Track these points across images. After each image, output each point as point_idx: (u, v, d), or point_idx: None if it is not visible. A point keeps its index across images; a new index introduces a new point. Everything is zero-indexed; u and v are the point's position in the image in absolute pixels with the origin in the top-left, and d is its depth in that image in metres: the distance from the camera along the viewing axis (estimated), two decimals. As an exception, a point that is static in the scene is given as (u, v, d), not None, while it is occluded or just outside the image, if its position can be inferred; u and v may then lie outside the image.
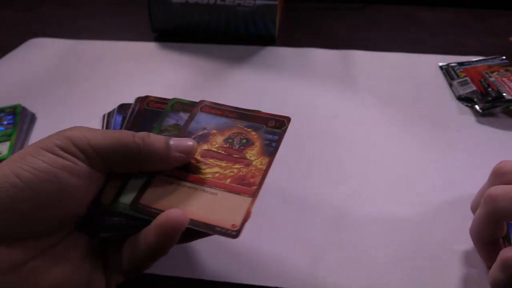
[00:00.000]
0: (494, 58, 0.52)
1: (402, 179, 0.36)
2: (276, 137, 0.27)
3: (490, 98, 0.44)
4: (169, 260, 0.29)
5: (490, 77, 0.47)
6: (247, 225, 0.23)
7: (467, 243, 0.30)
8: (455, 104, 0.47)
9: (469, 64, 0.52)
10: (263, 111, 0.29)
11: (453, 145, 0.40)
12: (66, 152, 0.21)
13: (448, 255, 0.29)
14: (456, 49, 0.59)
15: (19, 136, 0.40)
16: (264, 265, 0.29)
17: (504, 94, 0.43)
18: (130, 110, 0.29)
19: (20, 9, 0.76)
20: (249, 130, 0.28)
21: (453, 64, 0.53)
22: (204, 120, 0.28)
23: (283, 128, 0.27)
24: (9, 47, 0.60)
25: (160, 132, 0.27)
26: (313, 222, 0.32)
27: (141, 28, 0.66)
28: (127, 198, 0.24)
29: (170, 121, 0.28)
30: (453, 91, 0.49)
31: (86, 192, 0.22)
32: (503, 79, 0.46)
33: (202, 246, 0.30)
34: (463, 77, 0.49)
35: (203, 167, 0.26)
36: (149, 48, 0.60)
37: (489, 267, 0.27)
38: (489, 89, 0.45)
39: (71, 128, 0.23)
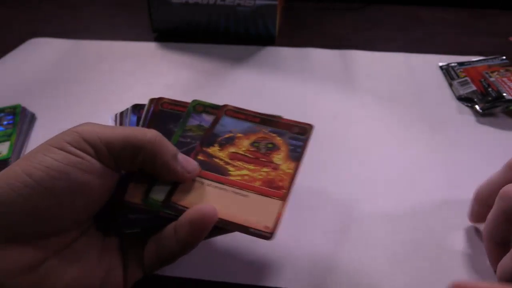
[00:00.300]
0: (494, 58, 0.52)
1: (401, 179, 0.36)
2: (300, 143, 0.28)
3: (490, 98, 0.44)
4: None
5: (490, 77, 0.47)
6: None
7: (467, 243, 0.30)
8: (455, 104, 0.47)
9: (469, 64, 0.52)
10: (284, 117, 0.29)
11: (453, 145, 0.40)
12: (76, 147, 0.21)
13: (448, 255, 0.29)
14: (456, 49, 0.59)
15: (19, 136, 0.40)
16: (264, 265, 0.29)
17: (504, 94, 0.43)
18: (145, 110, 0.29)
19: (20, 9, 0.76)
20: (273, 135, 0.28)
21: (453, 64, 0.53)
22: (229, 124, 0.29)
23: (307, 135, 0.28)
24: (9, 47, 0.60)
25: (184, 131, 0.28)
26: (312, 222, 0.32)
27: (141, 28, 0.66)
28: (158, 196, 0.24)
29: (194, 121, 0.29)
30: (453, 91, 0.49)
31: (100, 189, 0.22)
32: (503, 79, 0.46)
33: (201, 246, 0.30)
34: (463, 77, 0.49)
35: (232, 169, 0.26)
36: (149, 48, 0.60)
37: (496, 271, 0.27)
38: (489, 89, 0.45)
39: (80, 124, 0.22)
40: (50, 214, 0.20)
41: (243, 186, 0.25)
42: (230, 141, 0.28)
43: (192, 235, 0.22)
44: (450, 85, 0.50)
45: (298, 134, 0.28)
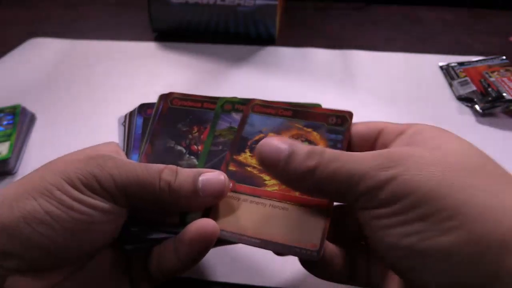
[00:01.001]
0: (494, 58, 0.52)
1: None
2: (340, 137, 0.24)
3: (490, 98, 0.44)
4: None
5: (490, 77, 0.47)
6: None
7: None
8: (455, 104, 0.47)
9: (469, 64, 0.52)
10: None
11: (453, 145, 0.40)
12: (90, 190, 0.20)
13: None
14: (456, 49, 0.59)
15: (19, 136, 0.40)
16: (264, 265, 0.29)
17: (504, 94, 0.43)
18: (154, 109, 0.27)
19: (20, 9, 0.76)
20: (309, 130, 0.25)
21: (453, 64, 0.53)
22: (258, 122, 0.25)
23: (346, 126, 0.24)
24: (9, 47, 0.60)
25: (215, 137, 0.25)
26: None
27: (141, 28, 0.66)
28: (193, 219, 0.22)
29: (223, 124, 0.26)
30: (453, 91, 0.49)
31: (111, 227, 0.21)
32: (503, 79, 0.46)
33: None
34: (463, 77, 0.49)
35: (267, 177, 0.23)
36: (149, 48, 0.60)
37: None
38: (489, 89, 0.45)
39: (95, 161, 0.21)
40: (62, 250, 0.20)
41: (281, 198, 0.22)
42: None
43: (192, 254, 0.21)
44: (450, 85, 0.50)
45: (336, 125, 0.24)
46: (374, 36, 0.64)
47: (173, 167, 0.22)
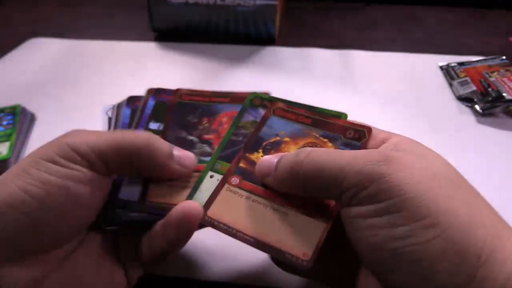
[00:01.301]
0: (494, 58, 0.52)
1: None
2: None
3: (490, 98, 0.44)
4: (168, 260, 0.29)
5: (490, 77, 0.47)
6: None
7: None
8: (455, 104, 0.47)
9: (469, 64, 0.52)
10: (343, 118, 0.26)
11: (453, 145, 0.40)
12: (68, 160, 0.20)
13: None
14: (456, 49, 0.59)
15: (19, 136, 0.40)
16: (264, 265, 0.29)
17: (504, 94, 0.43)
18: (142, 102, 0.28)
19: (20, 9, 0.76)
20: (325, 140, 0.25)
21: (453, 64, 0.53)
22: (276, 126, 0.26)
23: (364, 140, 0.24)
24: (9, 47, 0.60)
25: (238, 128, 0.26)
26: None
27: (141, 28, 0.66)
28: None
29: (249, 117, 0.26)
30: (453, 91, 0.49)
31: (94, 198, 0.22)
32: (503, 79, 0.46)
33: (201, 246, 0.30)
34: (463, 77, 0.49)
35: None
36: (149, 48, 0.60)
37: None
38: (489, 89, 0.45)
39: (69, 134, 0.22)
40: (50, 227, 0.20)
41: (283, 203, 0.22)
42: (276, 146, 0.25)
43: (179, 234, 0.22)
44: (450, 85, 0.50)
45: (353, 139, 0.24)
46: (374, 36, 0.64)
47: (150, 133, 0.23)
